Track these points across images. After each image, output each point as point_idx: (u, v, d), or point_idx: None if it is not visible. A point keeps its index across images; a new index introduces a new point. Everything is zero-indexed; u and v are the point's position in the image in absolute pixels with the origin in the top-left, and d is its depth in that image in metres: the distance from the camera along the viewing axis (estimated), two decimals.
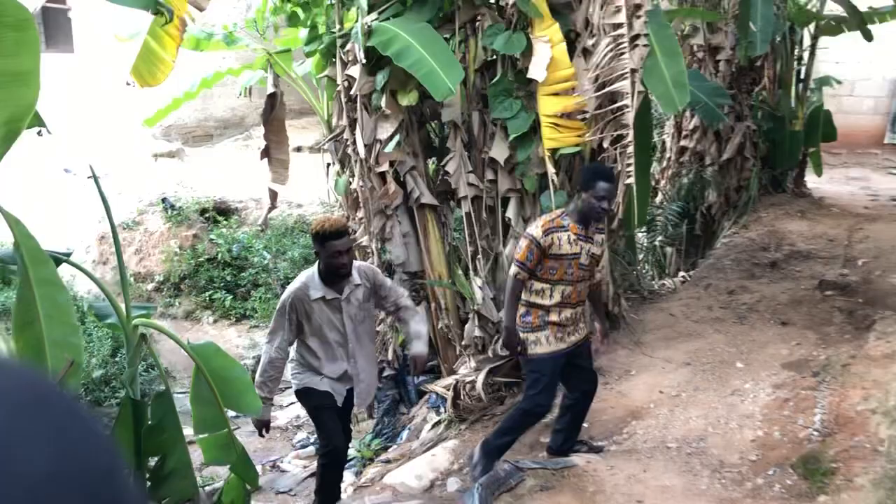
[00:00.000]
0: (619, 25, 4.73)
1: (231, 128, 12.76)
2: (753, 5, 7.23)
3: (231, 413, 3.72)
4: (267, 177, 6.76)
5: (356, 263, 3.93)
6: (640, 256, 7.90)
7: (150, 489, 3.42)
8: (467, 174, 5.30)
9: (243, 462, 3.66)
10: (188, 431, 3.71)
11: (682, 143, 9.19)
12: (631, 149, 4.76)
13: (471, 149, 5.36)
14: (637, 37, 4.74)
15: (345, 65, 5.50)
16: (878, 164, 12.73)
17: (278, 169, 6.63)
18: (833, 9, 8.81)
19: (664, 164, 9.41)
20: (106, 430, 0.41)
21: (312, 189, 9.60)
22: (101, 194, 2.95)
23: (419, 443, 5.41)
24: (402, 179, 5.55)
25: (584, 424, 4.48)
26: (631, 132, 4.75)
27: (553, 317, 3.87)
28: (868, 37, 8.29)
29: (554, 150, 4.91)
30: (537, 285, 3.87)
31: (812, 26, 9.26)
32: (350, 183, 6.03)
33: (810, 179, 10.14)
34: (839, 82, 10.71)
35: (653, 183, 8.77)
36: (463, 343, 5.55)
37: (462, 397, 5.32)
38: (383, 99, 5.26)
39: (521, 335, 3.93)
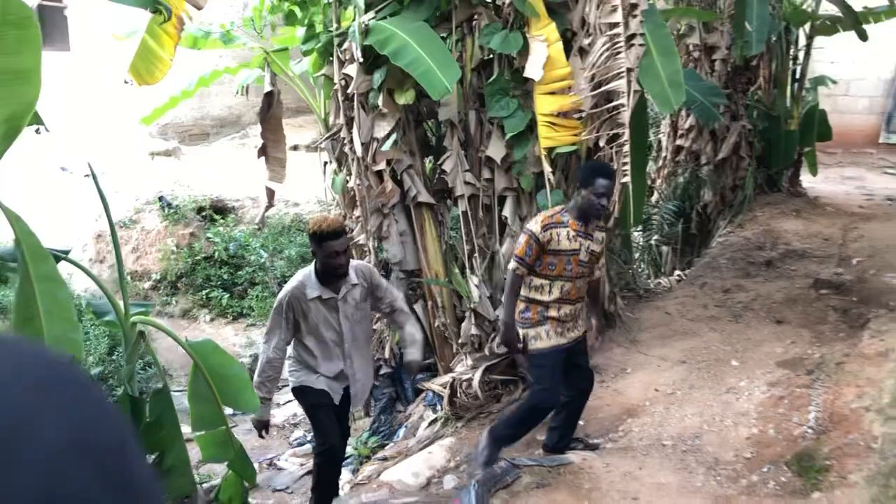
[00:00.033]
0: (616, 25, 4.74)
1: (228, 126, 12.75)
2: (749, 5, 7.26)
3: (228, 411, 3.73)
4: (264, 175, 6.77)
5: (353, 262, 3.91)
6: (636, 255, 7.93)
7: None
8: (464, 173, 5.32)
9: (241, 459, 3.68)
10: (186, 429, 3.72)
11: (678, 142, 9.21)
12: (627, 148, 4.78)
13: (467, 147, 5.37)
14: (633, 36, 4.75)
15: (342, 63, 5.52)
16: (873, 164, 12.77)
17: (275, 167, 6.64)
18: (828, 9, 8.84)
19: (660, 163, 9.44)
20: (117, 409, 0.42)
21: (309, 188, 9.61)
22: (100, 192, 2.96)
23: (416, 440, 5.42)
24: (398, 178, 5.56)
25: (580, 422, 4.50)
26: (627, 131, 4.77)
27: (552, 312, 3.89)
28: (863, 37, 8.32)
29: (550, 149, 4.93)
30: (536, 281, 3.89)
31: (807, 26, 9.30)
32: (347, 181, 6.04)
33: (805, 179, 10.18)
34: (834, 82, 10.75)
35: (649, 182, 8.80)
36: (459, 341, 5.57)
37: (459, 395, 5.33)
38: (380, 97, 5.27)
39: (522, 331, 3.95)
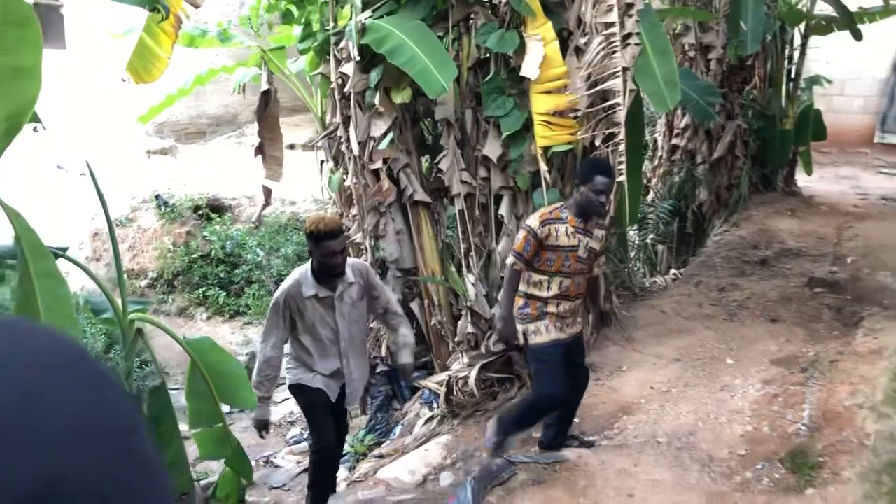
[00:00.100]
0: (611, 24, 4.77)
1: (224, 125, 12.75)
2: (744, 5, 7.29)
3: (225, 409, 3.75)
4: (261, 174, 6.78)
5: (350, 260, 3.89)
6: (632, 254, 7.96)
7: None
8: (460, 172, 5.33)
9: (238, 456, 3.69)
10: (183, 427, 3.73)
11: (674, 141, 9.24)
12: (622, 147, 4.80)
13: (464, 146, 5.39)
14: (629, 35, 4.78)
15: (339, 62, 5.53)
16: (867, 163, 12.82)
17: (272, 166, 6.64)
18: (823, 8, 8.88)
19: (656, 162, 9.46)
20: (127, 392, 0.44)
21: (306, 186, 9.62)
22: (98, 190, 2.97)
23: (412, 438, 5.44)
24: (395, 177, 5.57)
25: (576, 420, 4.52)
26: (622, 130, 4.79)
27: (551, 308, 3.91)
28: (858, 36, 8.35)
29: (546, 148, 4.95)
30: (535, 277, 3.90)
31: (802, 26, 9.33)
32: (344, 180, 6.05)
33: (800, 178, 10.23)
34: (829, 81, 10.79)
35: (644, 181, 8.83)
36: (456, 339, 5.59)
37: (455, 393, 5.35)
38: (377, 96, 5.28)
39: (521, 327, 3.96)
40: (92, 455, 0.37)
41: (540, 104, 4.87)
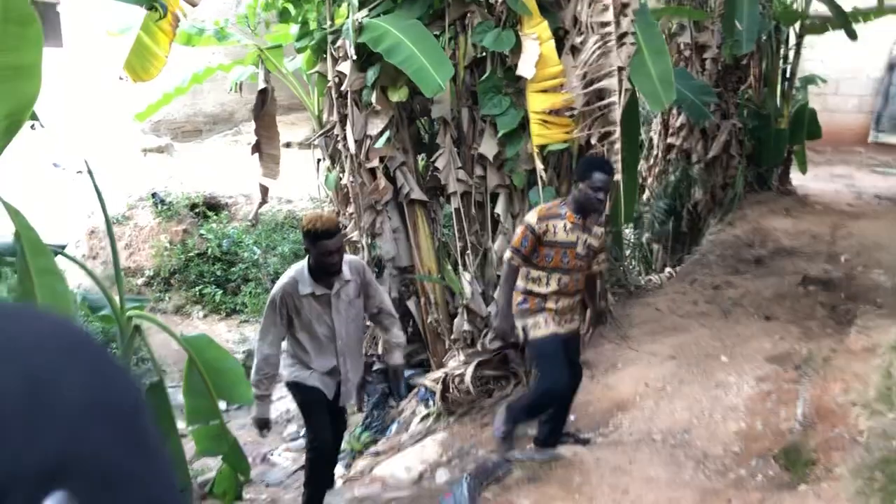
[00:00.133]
0: (607, 23, 4.79)
1: (220, 123, 12.76)
2: (739, 4, 7.32)
3: (222, 405, 3.76)
4: (258, 172, 6.79)
5: (347, 257, 3.87)
6: (627, 252, 7.99)
7: None
8: (457, 170, 5.35)
9: (235, 453, 3.71)
10: (180, 424, 3.75)
11: (669, 140, 9.27)
12: (618, 146, 4.82)
13: (460, 145, 5.41)
14: (624, 35, 4.80)
15: (335, 61, 5.54)
16: (862, 162, 12.87)
17: (269, 164, 6.65)
18: (818, 8, 8.91)
19: (651, 161, 9.49)
20: (132, 375, 0.46)
21: (302, 185, 9.63)
22: (96, 188, 2.99)
23: (408, 435, 5.47)
24: (392, 175, 5.59)
25: (571, 417, 4.54)
26: (618, 129, 4.81)
27: (550, 304, 3.93)
28: (852, 36, 8.39)
29: (542, 147, 4.97)
30: (534, 273, 3.92)
31: (797, 25, 9.37)
32: (340, 178, 6.07)
33: (795, 177, 10.27)
34: (824, 81, 10.84)
35: (640, 180, 8.86)
36: (452, 337, 5.61)
37: (451, 390, 5.38)
38: (374, 95, 5.30)
39: (520, 323, 3.98)
40: (100, 435, 0.39)
41: (536, 103, 4.89)
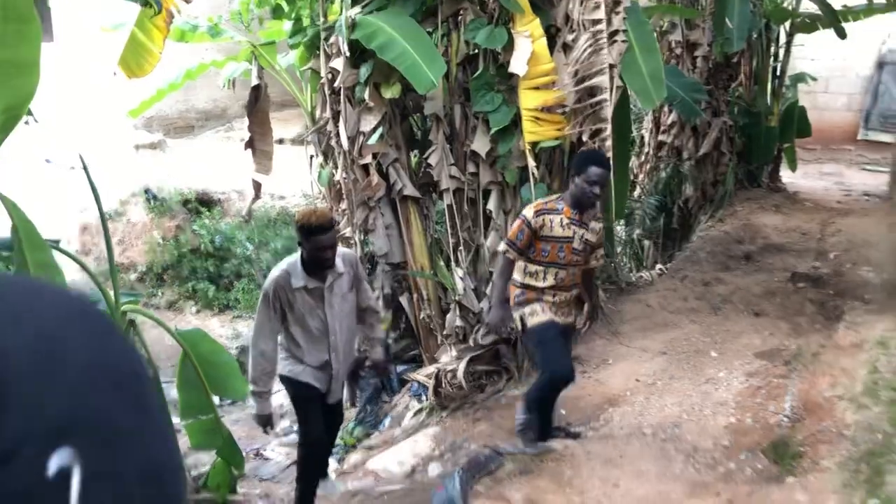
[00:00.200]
0: (599, 21, 4.82)
1: (213, 119, 12.73)
2: (730, 2, 7.37)
3: (216, 401, 3.78)
4: (250, 168, 6.80)
5: (340, 250, 3.82)
6: (619, 249, 8.03)
7: None
8: (449, 167, 5.38)
9: (230, 446, 3.73)
10: (174, 419, 3.76)
11: (661, 137, 9.32)
12: (609, 143, 4.86)
13: (453, 142, 5.44)
14: (616, 32, 4.84)
15: (328, 57, 5.56)
16: (851, 160, 12.95)
17: (262, 160, 6.66)
18: (808, 6, 8.98)
19: (642, 158, 9.54)
20: (134, 345, 0.49)
21: (295, 181, 9.63)
22: (91, 184, 3.01)
23: (401, 430, 5.50)
24: (384, 171, 5.61)
25: (562, 411, 4.59)
26: (609, 126, 4.85)
27: (548, 298, 3.96)
28: (841, 34, 8.46)
29: (534, 144, 5.01)
30: (531, 267, 3.95)
31: (787, 23, 9.43)
32: (333, 175, 6.08)
33: (785, 174, 10.34)
34: (814, 79, 10.89)
35: (631, 177, 8.90)
36: (444, 333, 5.64)
37: (443, 385, 5.41)
38: (367, 91, 5.32)
39: (518, 313, 4.00)
40: (103, 396, 0.42)
41: (528, 100, 4.93)
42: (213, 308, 9.16)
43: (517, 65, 4.81)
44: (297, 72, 6.56)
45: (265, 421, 3.91)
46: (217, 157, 11.16)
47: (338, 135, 5.64)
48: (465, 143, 5.36)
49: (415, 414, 5.57)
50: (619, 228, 8.39)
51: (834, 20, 8.39)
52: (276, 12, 6.11)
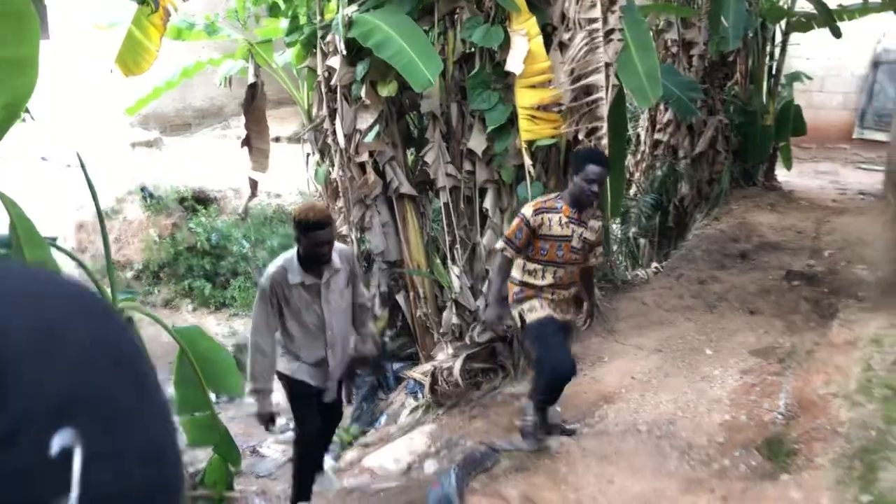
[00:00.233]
0: (595, 20, 4.83)
1: (209, 117, 12.72)
2: (726, 1, 7.40)
3: (211, 398, 3.78)
4: (247, 166, 6.80)
5: (337, 246, 3.81)
6: (615, 247, 8.06)
7: None
8: (446, 165, 5.39)
9: (226, 442, 3.74)
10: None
11: (657, 136, 9.34)
12: (605, 141, 4.87)
13: (449, 140, 5.45)
14: (612, 31, 4.85)
15: (325, 55, 5.57)
16: (846, 159, 13.00)
17: (259, 158, 6.66)
18: (804, 6, 9.01)
19: (638, 156, 9.56)
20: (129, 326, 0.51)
21: (291, 179, 9.63)
22: (89, 181, 3.01)
23: (397, 427, 5.51)
24: (381, 169, 5.63)
25: (558, 408, 4.60)
26: (605, 124, 4.86)
27: (546, 295, 3.97)
28: (837, 34, 8.49)
29: (531, 142, 5.02)
30: (530, 265, 3.95)
31: (783, 22, 9.47)
32: (330, 173, 6.10)
33: (780, 173, 10.38)
34: (809, 78, 10.94)
35: (627, 175, 8.93)
36: (441, 331, 5.66)
37: (440, 383, 5.42)
38: (363, 89, 5.33)
39: (516, 310, 4.01)
40: (104, 377, 0.43)
41: (524, 98, 4.94)
42: (210, 306, 9.15)
43: (513, 63, 4.82)
44: (293, 70, 6.56)
45: (267, 419, 3.89)
46: (213, 155, 11.16)
47: (334, 133, 5.65)
48: (461, 142, 5.37)
49: (411, 411, 5.58)
50: (616, 227, 8.42)
51: (829, 19, 8.42)
52: (273, 10, 6.12)
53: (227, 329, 8.70)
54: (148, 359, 0.49)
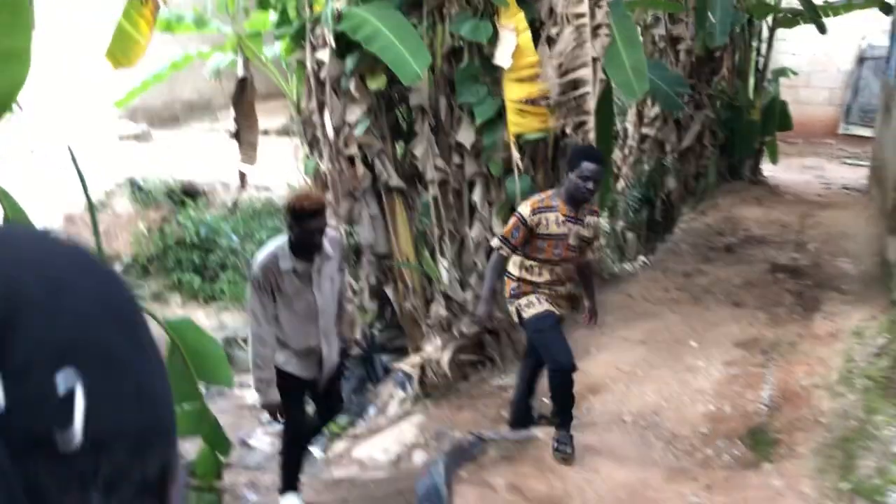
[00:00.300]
0: (582, 15, 4.87)
1: (198, 110, 12.69)
2: None
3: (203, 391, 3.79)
4: (236, 159, 6.81)
5: (326, 232, 3.73)
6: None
7: None
8: (434, 158, 5.42)
9: (216, 433, 3.75)
10: None
11: (644, 130, 9.40)
12: (592, 135, 4.92)
13: (438, 133, 5.47)
14: (599, 26, 4.89)
15: (314, 48, 5.58)
16: (832, 154, 13.10)
17: (248, 151, 6.67)
18: (790, 2, 9.09)
19: (626, 151, 9.61)
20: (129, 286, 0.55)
21: (280, 172, 9.62)
22: (79, 172, 3.03)
23: (386, 419, 5.55)
24: (370, 162, 5.65)
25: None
26: (592, 118, 4.90)
27: (544, 290, 3.99)
28: (822, 30, 8.58)
29: (519, 135, 5.05)
30: (527, 262, 3.97)
31: (770, 18, 9.53)
32: (319, 166, 6.11)
33: (766, 167, 10.47)
34: (795, 73, 11.03)
35: (615, 169, 8.98)
36: (429, 323, 5.70)
37: (428, 375, 5.47)
38: (352, 83, 5.35)
39: (513, 306, 4.03)
40: (105, 328, 0.47)
41: (512, 92, 4.97)
42: (199, 299, 9.13)
43: (502, 57, 4.86)
44: (282, 63, 6.57)
45: (274, 409, 3.86)
46: (202, 148, 11.14)
47: (323, 126, 5.67)
48: (450, 135, 5.40)
49: (400, 403, 5.62)
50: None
51: (815, 15, 8.51)
52: (262, 3, 6.12)
53: (216, 322, 8.68)
54: (143, 314, 0.53)
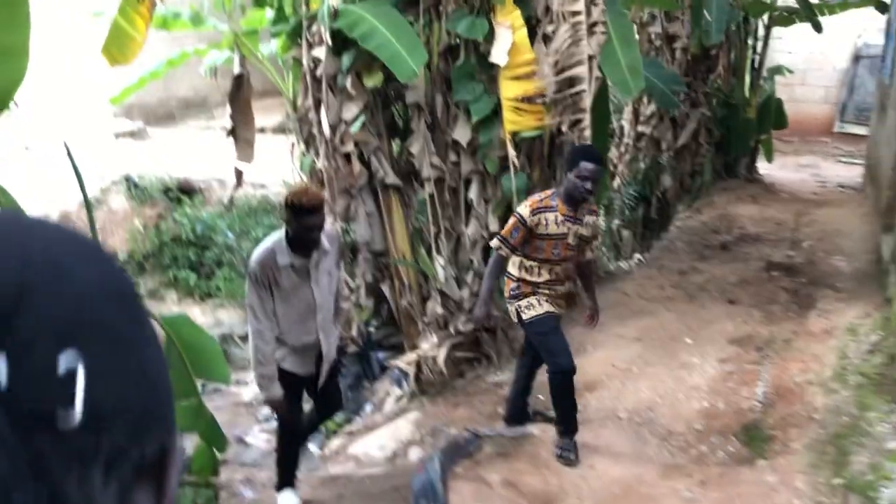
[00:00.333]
0: (578, 13, 4.88)
1: (194, 108, 12.68)
2: None
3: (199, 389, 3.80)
4: (232, 156, 6.80)
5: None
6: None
7: None
8: (431, 156, 5.43)
9: (212, 428, 3.76)
10: None
11: (640, 128, 9.40)
12: (588, 133, 4.93)
13: (434, 131, 5.48)
14: (595, 24, 4.90)
15: (311, 46, 5.58)
16: (827, 152, 13.14)
17: (244, 148, 6.66)
18: (786, 0, 9.11)
19: (622, 149, 9.62)
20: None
21: (276, 169, 9.62)
22: (76, 170, 3.03)
23: (382, 415, 5.56)
24: (366, 160, 5.65)
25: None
26: (588, 116, 4.92)
27: (543, 290, 4.01)
28: (818, 28, 8.60)
29: (515, 133, 5.06)
30: (527, 262, 3.98)
31: (765, 16, 9.56)
32: (315, 163, 6.11)
33: (762, 165, 10.50)
34: (791, 72, 11.06)
35: (611, 167, 9.00)
36: (425, 320, 5.70)
37: (424, 372, 5.48)
38: (348, 80, 5.35)
39: (513, 307, 4.04)
40: (107, 309, 0.48)
41: (509, 90, 4.98)
42: (195, 296, 9.13)
43: (498, 55, 4.87)
44: (279, 60, 6.57)
45: (278, 405, 3.86)
46: (198, 145, 11.13)
47: (319, 123, 5.67)
48: (446, 132, 5.40)
49: (396, 400, 5.63)
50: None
51: (811, 14, 8.53)
52: (259, 1, 6.11)
53: (212, 319, 8.68)
54: (143, 299, 0.54)
